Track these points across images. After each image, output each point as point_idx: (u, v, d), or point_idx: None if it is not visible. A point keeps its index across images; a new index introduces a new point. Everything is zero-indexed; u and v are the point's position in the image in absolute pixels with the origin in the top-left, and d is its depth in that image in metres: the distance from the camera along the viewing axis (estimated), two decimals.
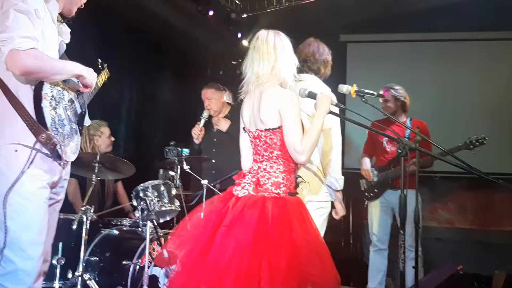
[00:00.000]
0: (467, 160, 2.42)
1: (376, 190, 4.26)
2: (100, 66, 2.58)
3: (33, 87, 1.98)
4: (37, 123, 1.95)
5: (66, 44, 2.27)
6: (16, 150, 1.95)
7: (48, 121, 1.98)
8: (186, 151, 4.29)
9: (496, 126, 5.24)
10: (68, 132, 2.12)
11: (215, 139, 4.32)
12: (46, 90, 2.00)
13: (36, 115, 1.96)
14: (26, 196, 1.97)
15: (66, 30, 2.29)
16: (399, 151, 2.15)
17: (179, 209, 3.49)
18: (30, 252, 1.97)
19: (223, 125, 4.26)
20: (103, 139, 4.03)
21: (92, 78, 2.22)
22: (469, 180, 5.44)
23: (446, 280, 3.04)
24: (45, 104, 1.98)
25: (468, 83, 5.54)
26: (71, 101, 2.19)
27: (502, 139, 5.11)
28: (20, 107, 1.95)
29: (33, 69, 1.92)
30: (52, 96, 2.04)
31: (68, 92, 2.18)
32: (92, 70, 2.24)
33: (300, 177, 2.36)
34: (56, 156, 2.03)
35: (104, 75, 2.56)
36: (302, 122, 2.27)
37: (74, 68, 2.12)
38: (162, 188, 3.38)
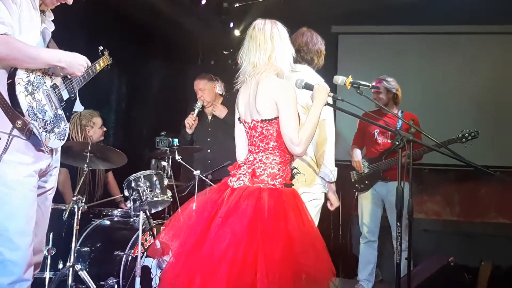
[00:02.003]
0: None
1: (366, 182, 4.29)
2: (100, 53, 2.54)
3: (8, 73, 1.95)
4: (12, 109, 1.92)
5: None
6: (0, 138, 1.92)
7: (24, 107, 1.94)
8: (176, 141, 4.27)
9: (482, 120, 5.29)
10: (51, 118, 2.08)
11: (210, 129, 4.31)
12: (21, 75, 1.96)
13: (10, 101, 1.92)
14: (11, 185, 1.94)
15: (49, 17, 2.24)
16: (397, 143, 2.15)
17: (171, 200, 3.47)
18: (17, 242, 1.94)
19: (220, 111, 4.23)
20: (95, 130, 3.98)
21: (75, 68, 2.16)
22: (457, 173, 5.51)
23: (437, 271, 3.07)
24: (19, 89, 1.94)
25: (458, 77, 5.58)
26: (55, 86, 2.15)
27: (487, 133, 5.15)
28: None
29: (3, 55, 1.89)
30: (29, 81, 2.00)
31: (50, 77, 2.13)
32: (78, 58, 2.18)
33: (296, 168, 2.35)
34: (36, 142, 2.00)
35: (103, 62, 2.51)
36: (298, 114, 2.25)
37: (51, 58, 2.07)
38: (154, 178, 3.37)
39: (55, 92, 2.15)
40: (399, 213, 2.15)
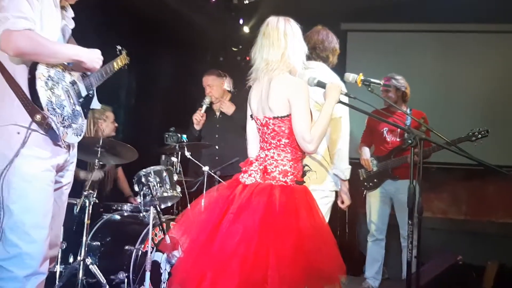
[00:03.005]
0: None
1: (375, 180, 4.28)
2: (118, 52, 2.56)
3: (29, 67, 1.97)
4: (32, 103, 1.94)
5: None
6: (18, 133, 1.94)
7: (43, 101, 1.96)
8: (185, 137, 4.28)
9: (492, 118, 5.27)
10: (69, 114, 2.10)
11: (217, 125, 4.31)
12: (42, 70, 1.98)
13: (30, 95, 1.94)
14: (28, 179, 1.96)
15: (69, 15, 2.26)
16: (410, 141, 2.15)
17: (181, 195, 3.48)
18: (34, 235, 1.96)
19: (228, 108, 4.23)
20: (107, 124, 4.02)
21: (94, 62, 2.19)
22: (464, 172, 5.49)
23: (446, 270, 3.07)
24: (39, 84, 1.96)
25: (467, 75, 5.56)
26: (73, 82, 2.17)
27: (497, 131, 5.13)
28: (16, 87, 1.94)
29: (26, 50, 1.91)
30: (49, 76, 2.01)
31: (70, 73, 2.16)
32: (96, 53, 2.21)
33: (307, 165, 2.36)
34: (54, 137, 2.01)
35: (121, 61, 2.53)
36: (311, 111, 2.26)
37: (72, 52, 2.10)
38: (164, 174, 3.37)
39: (74, 88, 2.17)
40: (411, 212, 2.15)
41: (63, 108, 2.07)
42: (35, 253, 1.96)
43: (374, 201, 4.31)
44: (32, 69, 1.96)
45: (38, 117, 1.95)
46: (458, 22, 5.47)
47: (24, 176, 1.95)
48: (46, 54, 1.98)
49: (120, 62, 2.52)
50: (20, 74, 1.96)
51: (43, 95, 1.97)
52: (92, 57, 2.18)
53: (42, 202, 2.01)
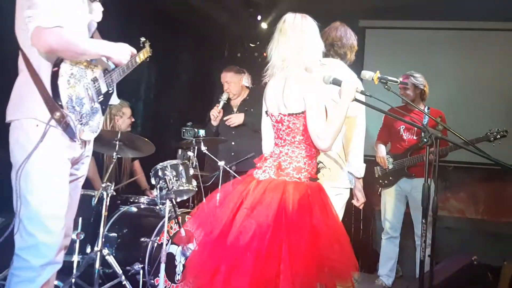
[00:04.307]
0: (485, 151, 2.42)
1: (391, 178, 4.27)
2: (142, 45, 2.57)
3: (53, 63, 1.99)
4: (52, 100, 1.96)
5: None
6: (37, 125, 1.98)
7: (64, 99, 1.98)
8: (202, 132, 4.32)
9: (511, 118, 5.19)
10: (88, 111, 2.12)
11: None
12: (65, 67, 2.00)
13: (52, 92, 1.97)
14: (45, 171, 2.00)
15: (98, 8, 2.27)
16: (425, 140, 2.14)
17: (196, 189, 3.52)
18: (51, 226, 2.00)
19: (235, 120, 4.24)
20: (124, 120, 4.06)
21: (122, 57, 2.21)
22: (482, 171, 5.43)
23: (460, 269, 3.05)
24: (61, 81, 1.98)
25: (487, 74, 5.47)
26: (95, 79, 2.18)
27: None
28: (39, 83, 1.97)
29: (57, 47, 1.93)
30: (72, 74, 2.04)
31: (92, 70, 2.17)
32: (124, 47, 2.24)
33: (321, 162, 2.36)
34: (71, 134, 2.04)
35: (144, 54, 2.52)
36: (326, 108, 2.26)
37: (100, 49, 2.12)
38: (181, 168, 3.41)
39: (95, 86, 2.18)
40: (425, 211, 2.14)
41: (82, 105, 2.09)
42: (51, 243, 2.00)
43: (389, 199, 4.29)
44: (56, 65, 1.98)
45: (57, 114, 1.97)
46: (477, 19, 5.39)
47: (41, 168, 1.99)
48: (76, 51, 2.01)
49: (142, 55, 2.50)
50: (44, 70, 1.99)
51: (64, 93, 1.99)
52: (120, 52, 2.20)
53: (59, 194, 2.05)
